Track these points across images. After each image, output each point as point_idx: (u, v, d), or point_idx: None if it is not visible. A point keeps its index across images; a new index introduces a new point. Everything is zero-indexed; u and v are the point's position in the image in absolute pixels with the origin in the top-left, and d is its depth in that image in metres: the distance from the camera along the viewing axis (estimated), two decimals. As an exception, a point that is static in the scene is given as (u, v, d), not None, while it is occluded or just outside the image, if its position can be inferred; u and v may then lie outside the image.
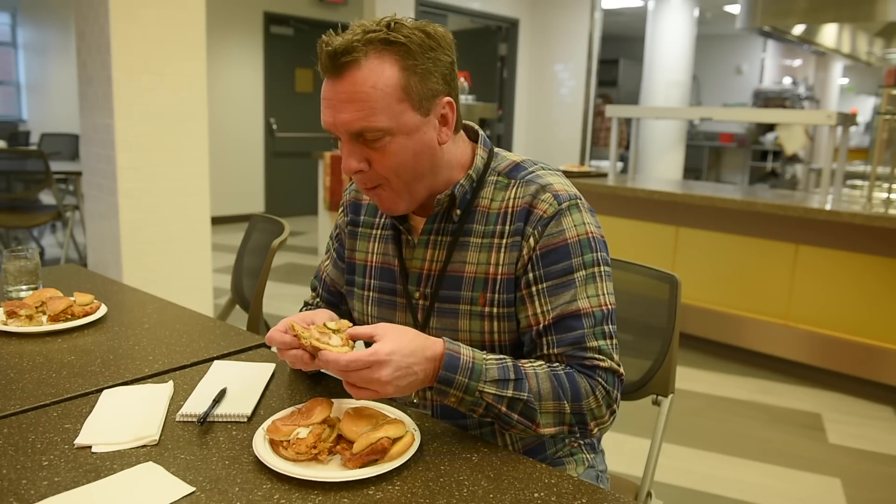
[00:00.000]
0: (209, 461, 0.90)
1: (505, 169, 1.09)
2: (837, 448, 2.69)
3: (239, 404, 1.06)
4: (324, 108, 0.99)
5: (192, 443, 0.95)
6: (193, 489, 0.84)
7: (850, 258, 3.21)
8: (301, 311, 1.29)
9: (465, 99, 5.05)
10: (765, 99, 9.20)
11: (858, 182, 4.63)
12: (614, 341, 1.03)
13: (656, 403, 1.39)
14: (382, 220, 1.17)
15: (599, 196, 3.96)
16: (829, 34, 6.41)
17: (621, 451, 2.53)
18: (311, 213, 6.88)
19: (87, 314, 1.44)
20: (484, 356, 0.97)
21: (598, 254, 1.04)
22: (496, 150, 1.13)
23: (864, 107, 11.58)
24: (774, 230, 3.42)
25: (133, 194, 3.21)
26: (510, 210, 1.05)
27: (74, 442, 0.94)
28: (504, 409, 0.95)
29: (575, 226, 1.03)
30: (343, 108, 0.96)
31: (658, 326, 1.39)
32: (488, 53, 7.26)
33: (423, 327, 1.10)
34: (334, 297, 1.26)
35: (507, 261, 1.04)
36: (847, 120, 3.59)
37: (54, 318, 1.40)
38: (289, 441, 0.89)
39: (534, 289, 1.02)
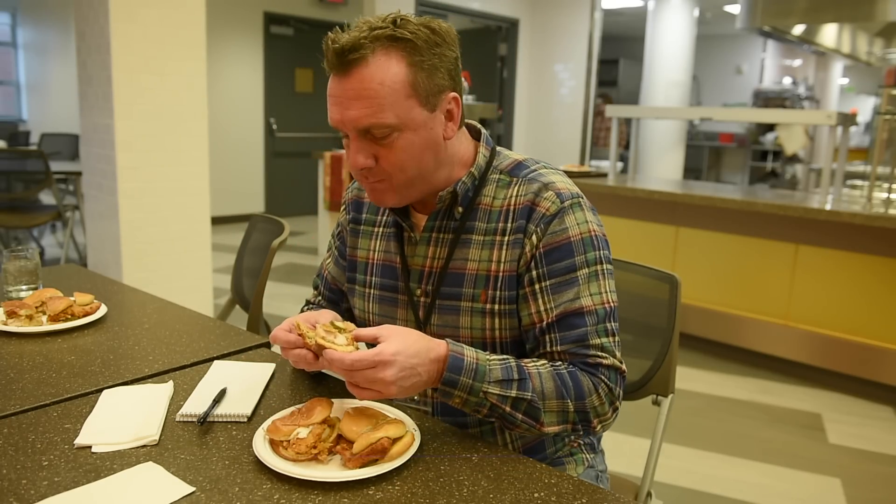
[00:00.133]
0: (209, 461, 0.90)
1: (507, 167, 1.09)
2: (837, 448, 2.69)
3: (239, 404, 1.06)
4: (331, 105, 0.99)
5: (192, 443, 0.95)
6: (193, 489, 0.84)
7: (850, 258, 3.21)
8: (303, 310, 1.29)
9: (466, 99, 5.03)
10: (765, 99, 9.21)
11: (858, 182, 4.63)
12: (616, 339, 1.03)
13: (656, 403, 1.39)
14: (384, 217, 1.17)
15: (599, 196, 3.96)
16: (829, 34, 6.41)
17: (621, 451, 2.53)
18: (311, 213, 6.88)
19: (87, 314, 1.44)
20: (487, 357, 0.97)
21: (601, 252, 1.04)
22: (498, 148, 1.14)
23: (864, 107, 11.58)
24: (774, 230, 3.42)
25: (133, 194, 3.21)
26: (512, 208, 1.05)
27: (74, 442, 0.94)
28: (508, 408, 0.96)
29: (578, 224, 1.03)
30: (351, 105, 0.96)
31: (658, 326, 1.39)
32: (488, 53, 7.26)
33: (424, 324, 1.10)
34: (336, 295, 1.27)
35: (509, 258, 1.04)
36: (847, 120, 3.59)
37: (54, 318, 1.40)
38: (289, 441, 0.89)
39: (537, 286, 1.03)
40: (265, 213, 4.93)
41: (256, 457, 0.89)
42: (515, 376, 0.96)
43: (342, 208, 1.26)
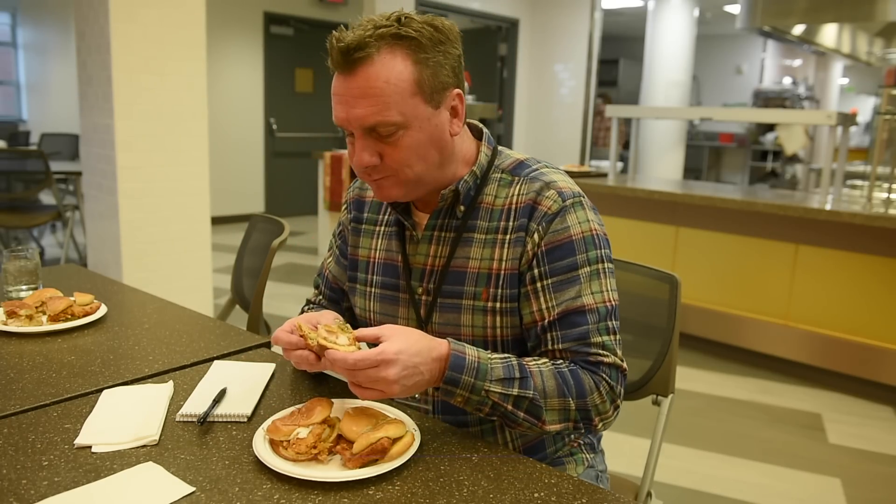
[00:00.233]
0: (209, 461, 0.90)
1: (509, 166, 1.10)
2: (837, 448, 2.69)
3: (239, 404, 1.06)
4: (336, 103, 0.99)
5: (192, 443, 0.95)
6: (193, 489, 0.84)
7: (850, 258, 3.21)
8: (303, 309, 1.29)
9: (466, 98, 5.03)
10: (765, 99, 9.21)
11: (858, 182, 4.63)
12: (618, 337, 1.03)
13: (656, 403, 1.39)
14: (386, 216, 1.17)
15: (599, 196, 3.96)
16: (829, 34, 6.41)
17: (621, 451, 2.53)
18: (311, 213, 6.88)
19: (87, 314, 1.44)
20: (489, 355, 0.97)
21: (602, 251, 1.04)
22: (500, 148, 1.14)
23: (864, 107, 11.58)
24: (774, 230, 3.42)
25: (133, 194, 3.21)
26: (514, 206, 1.05)
27: (74, 442, 0.94)
28: (510, 407, 0.96)
29: (579, 223, 1.03)
30: (357, 103, 0.96)
31: (658, 326, 1.39)
32: (488, 53, 7.26)
33: (425, 323, 1.10)
34: (337, 295, 1.27)
35: (511, 256, 1.04)
36: (847, 120, 3.59)
37: (54, 318, 1.40)
38: (289, 441, 0.89)
39: (539, 285, 1.03)
40: (265, 213, 4.93)
41: (256, 457, 0.89)
42: (517, 374, 0.96)
43: (343, 207, 1.26)
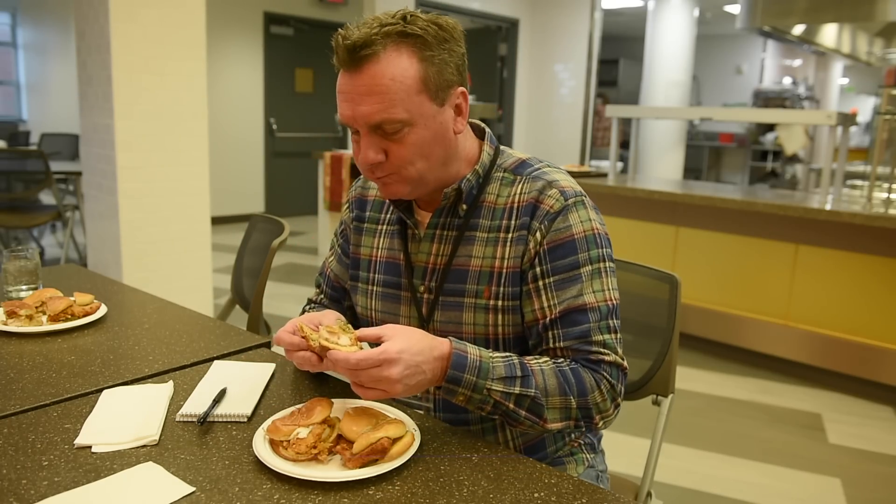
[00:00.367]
0: (209, 461, 0.90)
1: (511, 166, 1.10)
2: (837, 448, 2.69)
3: (239, 404, 1.06)
4: (341, 101, 0.99)
5: (192, 443, 0.95)
6: (193, 489, 0.84)
7: (850, 258, 3.21)
8: (304, 309, 1.29)
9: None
10: (765, 99, 9.21)
11: (858, 182, 4.63)
12: (618, 336, 1.04)
13: (656, 403, 1.39)
14: (388, 215, 1.18)
15: (599, 196, 3.96)
16: (829, 34, 6.41)
17: (621, 451, 2.53)
18: (311, 213, 6.88)
19: (87, 314, 1.44)
20: (490, 354, 0.98)
21: (604, 250, 1.05)
22: (502, 147, 1.15)
23: (864, 107, 11.58)
24: (774, 230, 3.42)
25: (133, 194, 3.21)
26: (516, 205, 1.06)
27: (74, 442, 0.94)
28: (512, 405, 0.96)
29: (581, 222, 1.04)
30: (362, 100, 0.96)
31: (658, 326, 1.39)
32: (488, 53, 7.26)
33: (427, 321, 1.10)
34: (338, 293, 1.27)
35: (513, 254, 1.05)
36: (847, 120, 3.59)
37: (54, 318, 1.40)
38: (289, 441, 0.89)
39: (541, 283, 1.03)
40: (265, 213, 4.93)
41: (256, 457, 0.89)
42: (518, 373, 0.97)
43: (346, 206, 1.26)
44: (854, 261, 3.20)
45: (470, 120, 1.12)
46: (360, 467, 0.87)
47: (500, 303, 1.05)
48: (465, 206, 1.08)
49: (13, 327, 1.37)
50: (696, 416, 2.92)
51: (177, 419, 1.02)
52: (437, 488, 0.85)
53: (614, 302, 1.04)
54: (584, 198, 1.06)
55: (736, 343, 3.58)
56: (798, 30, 5.92)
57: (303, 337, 0.95)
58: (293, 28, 7.46)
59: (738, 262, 3.57)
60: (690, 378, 3.35)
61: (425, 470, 0.90)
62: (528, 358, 1.01)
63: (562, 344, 1.02)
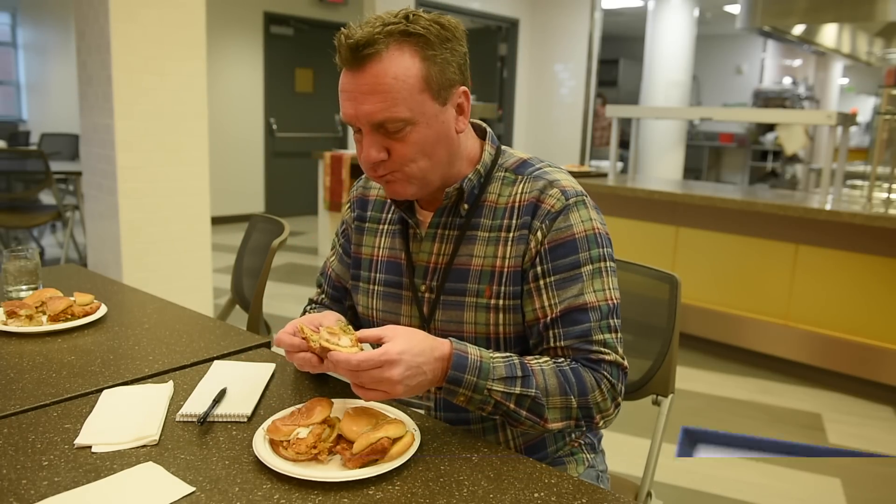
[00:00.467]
0: (209, 461, 0.90)
1: (512, 165, 1.11)
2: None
3: (239, 404, 1.06)
4: (344, 100, 0.99)
5: (192, 443, 0.95)
6: (193, 489, 0.84)
7: (850, 258, 3.21)
8: (306, 309, 1.29)
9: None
10: (765, 99, 9.21)
11: (858, 182, 4.63)
12: (619, 335, 1.04)
13: (656, 403, 1.39)
14: (390, 214, 1.18)
15: (599, 196, 3.95)
16: (829, 34, 6.41)
17: (621, 451, 2.53)
18: (311, 213, 6.88)
19: (87, 314, 1.44)
20: (491, 354, 0.98)
21: (604, 249, 1.05)
22: (503, 147, 1.15)
23: (864, 107, 11.58)
24: (774, 230, 3.42)
25: (133, 194, 3.21)
26: (517, 205, 1.06)
27: (74, 442, 0.94)
28: (512, 406, 0.96)
29: (582, 221, 1.04)
30: (365, 99, 0.97)
31: (658, 326, 1.39)
32: (488, 53, 7.26)
33: (428, 320, 1.10)
34: (339, 293, 1.27)
35: (514, 254, 1.05)
36: (847, 120, 3.59)
37: (54, 318, 1.40)
38: (289, 441, 0.89)
39: (542, 282, 1.03)
40: (265, 213, 4.93)
41: (256, 457, 0.89)
42: (519, 373, 0.97)
43: (347, 206, 1.27)
44: (854, 261, 3.19)
45: (471, 120, 1.12)
46: (360, 467, 0.87)
47: (501, 302, 1.06)
48: (466, 206, 1.08)
49: (13, 327, 1.37)
50: (696, 416, 2.92)
51: (177, 419, 1.02)
52: (437, 488, 0.85)
53: (615, 301, 1.04)
54: (585, 197, 1.06)
55: (736, 343, 3.58)
56: (798, 30, 5.92)
57: (303, 338, 0.95)
58: (293, 28, 7.46)
59: (738, 262, 3.57)
60: (690, 378, 3.35)
61: (425, 470, 0.90)
62: (528, 358, 1.01)
63: (562, 343, 1.02)
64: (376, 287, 1.17)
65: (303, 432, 0.90)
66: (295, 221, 7.01)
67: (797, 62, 10.62)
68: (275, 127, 7.47)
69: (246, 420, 1.02)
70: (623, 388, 1.03)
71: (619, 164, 6.29)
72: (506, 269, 1.05)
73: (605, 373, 1.00)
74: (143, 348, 1.32)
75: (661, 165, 7.11)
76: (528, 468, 0.91)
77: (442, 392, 0.96)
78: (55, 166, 4.59)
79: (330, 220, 5.43)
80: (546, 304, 1.03)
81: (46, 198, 5.23)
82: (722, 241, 3.61)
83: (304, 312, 1.27)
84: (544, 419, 0.98)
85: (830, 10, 5.17)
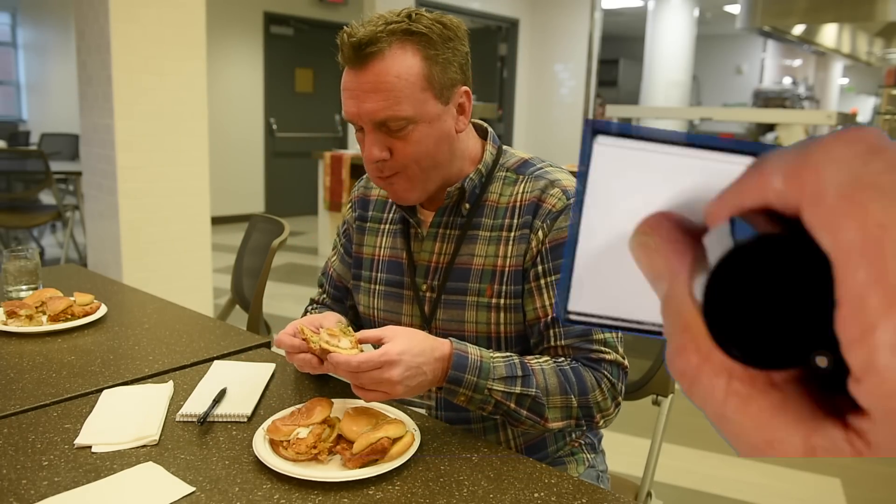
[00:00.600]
0: (209, 461, 0.90)
1: (514, 165, 1.11)
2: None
3: (239, 404, 1.06)
4: (346, 98, 1.00)
5: (192, 443, 0.95)
6: (193, 489, 0.84)
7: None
8: (307, 309, 1.29)
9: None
10: (765, 99, 9.21)
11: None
12: (619, 335, 1.04)
13: (656, 403, 1.39)
14: (391, 214, 1.18)
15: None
16: (829, 34, 6.42)
17: (621, 451, 2.53)
18: (311, 213, 6.88)
19: (87, 314, 1.44)
20: (491, 354, 0.98)
21: None
22: (504, 147, 1.15)
23: (864, 107, 11.59)
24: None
25: (133, 194, 3.21)
26: (519, 204, 1.06)
27: (74, 442, 0.94)
28: (513, 405, 0.96)
29: None
30: (367, 97, 0.97)
31: (658, 326, 1.39)
32: (488, 53, 7.27)
33: (429, 319, 1.11)
34: (341, 293, 1.27)
35: (515, 253, 1.05)
36: (847, 120, 3.59)
37: (54, 318, 1.40)
38: (289, 441, 0.89)
39: (542, 281, 1.04)
40: (265, 213, 4.93)
41: (256, 457, 0.89)
42: (519, 373, 0.97)
43: (348, 206, 1.27)
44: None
45: (472, 120, 1.12)
46: (360, 467, 0.87)
47: (502, 301, 1.06)
48: (468, 205, 1.08)
49: (13, 327, 1.37)
50: (696, 416, 2.92)
51: (177, 419, 1.02)
52: (437, 488, 0.85)
53: None
54: None
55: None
56: (798, 30, 5.92)
57: (303, 339, 0.95)
58: (293, 28, 7.46)
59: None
60: (690, 378, 3.34)
61: (425, 470, 0.90)
62: (528, 357, 1.01)
63: (563, 342, 1.02)
64: (377, 287, 1.17)
65: (303, 432, 0.90)
66: (295, 221, 7.00)
67: (797, 62, 10.63)
68: (275, 127, 7.47)
69: (246, 420, 1.02)
70: (623, 387, 1.03)
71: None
72: (507, 269, 1.05)
73: (606, 372, 1.01)
74: (143, 348, 1.31)
75: (661, 165, 7.10)
76: (528, 468, 0.91)
77: (442, 392, 0.96)
78: (55, 166, 4.59)
79: (330, 220, 5.43)
80: (547, 303, 1.03)
81: (46, 198, 5.22)
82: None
83: (306, 312, 1.27)
84: (545, 418, 0.98)
85: (830, 10, 5.17)
